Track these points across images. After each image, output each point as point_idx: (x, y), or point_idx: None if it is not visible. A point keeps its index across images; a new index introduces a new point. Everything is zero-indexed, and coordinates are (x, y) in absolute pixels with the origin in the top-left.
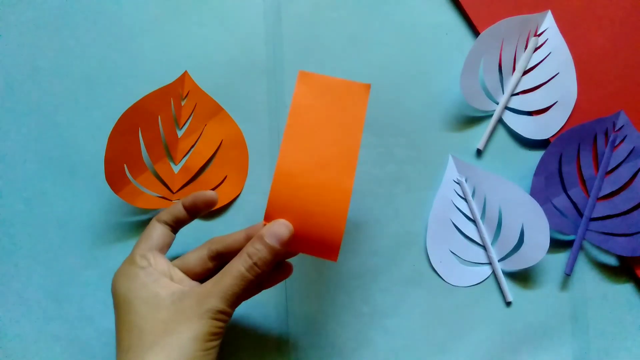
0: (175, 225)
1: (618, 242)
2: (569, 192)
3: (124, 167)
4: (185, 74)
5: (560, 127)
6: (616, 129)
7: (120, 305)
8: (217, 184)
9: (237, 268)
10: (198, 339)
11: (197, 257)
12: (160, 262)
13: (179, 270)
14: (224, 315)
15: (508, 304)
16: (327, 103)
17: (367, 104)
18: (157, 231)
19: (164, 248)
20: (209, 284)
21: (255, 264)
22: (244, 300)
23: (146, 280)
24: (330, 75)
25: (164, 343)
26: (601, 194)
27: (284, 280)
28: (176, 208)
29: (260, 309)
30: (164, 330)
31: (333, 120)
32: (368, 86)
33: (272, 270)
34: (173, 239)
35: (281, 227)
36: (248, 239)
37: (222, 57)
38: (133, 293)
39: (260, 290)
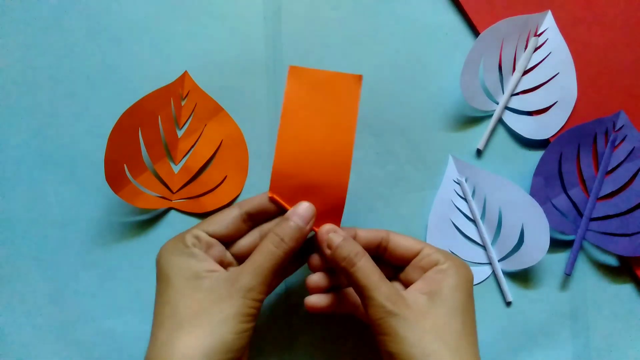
0: (256, 215)
1: (618, 242)
2: (569, 192)
3: (124, 167)
4: (185, 74)
5: (560, 127)
6: (616, 129)
7: (160, 278)
8: (217, 184)
9: (266, 246)
10: (230, 320)
11: (230, 220)
12: (213, 247)
13: (230, 255)
14: (256, 293)
15: (508, 304)
16: (319, 98)
17: (360, 95)
18: (228, 218)
19: (227, 237)
20: (242, 265)
21: (282, 239)
22: (274, 277)
23: (190, 259)
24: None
25: (195, 323)
26: (601, 194)
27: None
28: (262, 196)
29: None
30: (197, 310)
31: (326, 116)
32: (360, 77)
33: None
34: (244, 231)
35: (307, 210)
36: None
37: (222, 57)
38: (174, 269)
39: (281, 280)
